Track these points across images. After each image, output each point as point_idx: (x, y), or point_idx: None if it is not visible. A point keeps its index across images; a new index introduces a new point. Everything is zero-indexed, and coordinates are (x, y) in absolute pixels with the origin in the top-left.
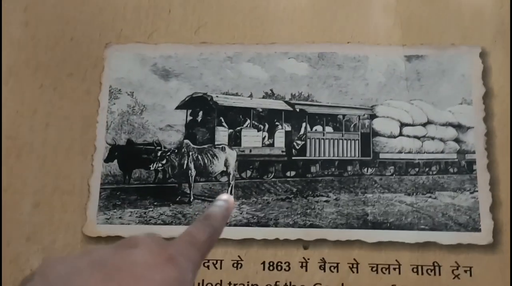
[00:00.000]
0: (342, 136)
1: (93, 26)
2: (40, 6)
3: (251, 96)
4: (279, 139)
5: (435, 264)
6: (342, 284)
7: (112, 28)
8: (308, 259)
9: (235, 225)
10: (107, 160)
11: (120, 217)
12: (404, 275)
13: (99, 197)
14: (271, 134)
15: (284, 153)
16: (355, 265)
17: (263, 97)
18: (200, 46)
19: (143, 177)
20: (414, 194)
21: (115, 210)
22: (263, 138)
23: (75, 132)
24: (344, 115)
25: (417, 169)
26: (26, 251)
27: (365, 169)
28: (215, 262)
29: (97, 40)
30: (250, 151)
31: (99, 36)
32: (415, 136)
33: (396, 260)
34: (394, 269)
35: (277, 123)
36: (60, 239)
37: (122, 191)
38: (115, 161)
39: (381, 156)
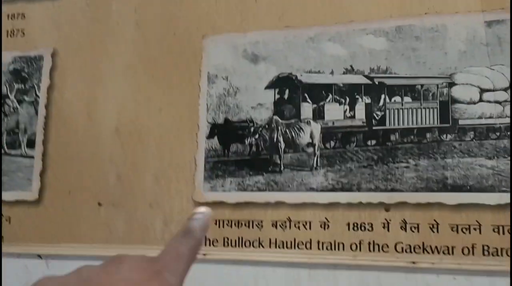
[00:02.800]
0: (421, 105)
1: (191, 21)
2: (147, 6)
3: (332, 73)
4: (360, 111)
5: None
6: (423, 243)
7: (207, 21)
8: (390, 220)
9: (321, 190)
10: (209, 136)
11: (222, 186)
12: (484, 234)
13: (204, 169)
14: (352, 107)
15: (364, 124)
16: (435, 226)
17: (344, 73)
18: (284, 31)
19: (239, 150)
20: (495, 157)
21: (217, 180)
22: (345, 111)
23: (182, 115)
24: (422, 85)
25: (498, 133)
26: (151, 216)
27: (444, 135)
28: (305, 223)
29: (195, 33)
30: (333, 123)
31: (197, 29)
32: (496, 101)
33: (477, 221)
34: (475, 229)
35: (357, 96)
36: (176, 206)
37: (222, 163)
38: (215, 137)
39: (461, 122)
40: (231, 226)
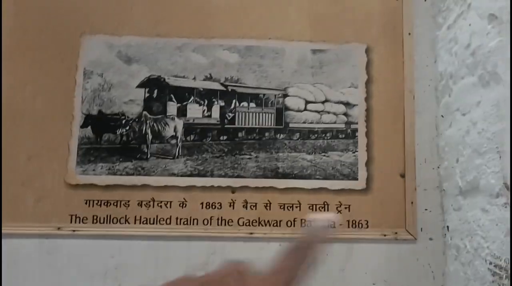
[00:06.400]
0: (262, 110)
1: (70, 19)
2: (27, 1)
3: (194, 78)
4: (215, 112)
5: (325, 203)
6: (259, 218)
7: (85, 21)
8: (235, 200)
9: (181, 176)
10: (83, 126)
11: (93, 170)
12: (303, 211)
13: (77, 154)
14: (209, 108)
15: (218, 122)
16: (268, 205)
17: (204, 79)
18: (156, 38)
19: (111, 139)
20: (313, 153)
21: (89, 164)
22: (203, 111)
23: (57, 103)
24: (264, 95)
25: (316, 135)
26: (22, 194)
27: (278, 135)
28: (166, 202)
29: (73, 30)
30: (193, 120)
31: (75, 27)
32: (316, 111)
33: (298, 201)
34: (296, 207)
35: (213, 100)
36: (48, 185)
37: (95, 150)
38: (89, 127)
39: (291, 125)
40: (100, 206)
